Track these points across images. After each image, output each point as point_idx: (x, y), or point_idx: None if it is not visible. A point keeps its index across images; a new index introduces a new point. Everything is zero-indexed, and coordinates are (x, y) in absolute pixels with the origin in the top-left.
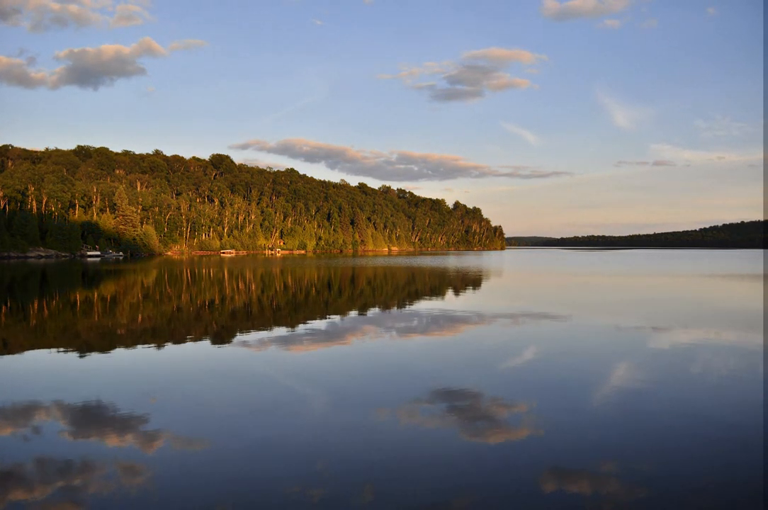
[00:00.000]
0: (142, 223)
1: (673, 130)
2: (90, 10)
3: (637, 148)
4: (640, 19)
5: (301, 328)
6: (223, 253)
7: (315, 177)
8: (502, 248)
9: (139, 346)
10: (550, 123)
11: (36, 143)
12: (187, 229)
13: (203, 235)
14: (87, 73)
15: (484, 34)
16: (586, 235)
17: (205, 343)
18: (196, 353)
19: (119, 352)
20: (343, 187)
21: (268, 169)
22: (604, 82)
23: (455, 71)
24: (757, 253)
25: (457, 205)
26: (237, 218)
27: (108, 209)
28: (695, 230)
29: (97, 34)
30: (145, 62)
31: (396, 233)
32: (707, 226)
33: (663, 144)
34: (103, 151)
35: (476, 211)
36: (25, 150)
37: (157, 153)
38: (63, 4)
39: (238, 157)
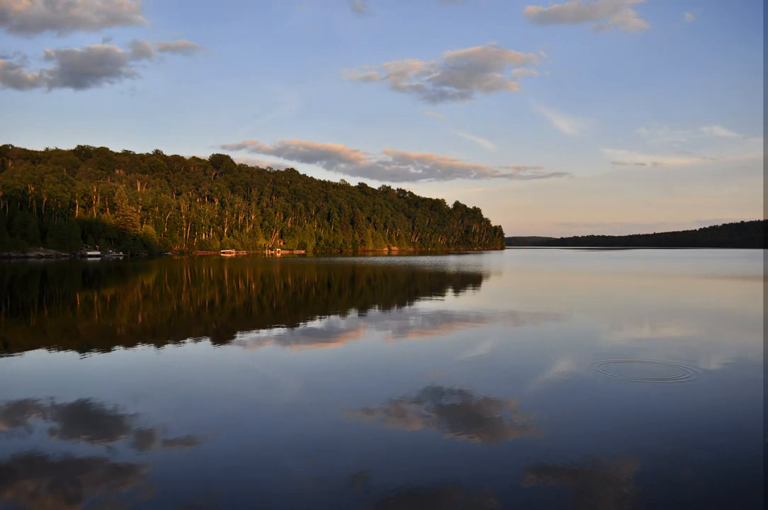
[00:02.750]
0: (142, 223)
1: (622, 136)
2: (81, 12)
3: (591, 153)
4: (623, 25)
5: (299, 327)
6: (223, 253)
7: (314, 177)
8: (502, 248)
9: (137, 346)
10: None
11: (36, 143)
12: (187, 229)
13: (203, 235)
14: (79, 75)
15: (475, 37)
16: (586, 235)
17: (203, 342)
18: (193, 352)
19: (117, 351)
20: (343, 187)
21: (268, 169)
22: (543, 93)
23: (444, 73)
24: (757, 253)
25: (457, 205)
26: (237, 218)
27: (108, 209)
28: (695, 230)
29: (87, 35)
30: (138, 64)
31: (396, 233)
32: (707, 226)
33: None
34: (103, 151)
35: (476, 211)
36: (25, 150)
37: (157, 153)
38: (52, 5)
39: (233, 158)
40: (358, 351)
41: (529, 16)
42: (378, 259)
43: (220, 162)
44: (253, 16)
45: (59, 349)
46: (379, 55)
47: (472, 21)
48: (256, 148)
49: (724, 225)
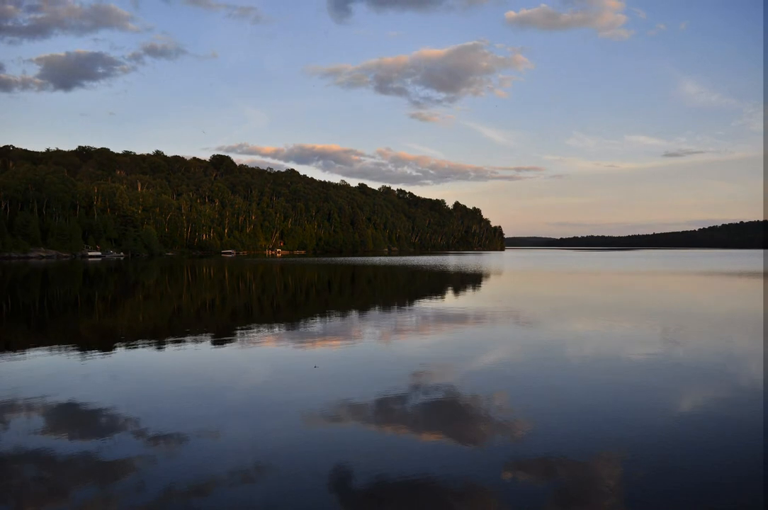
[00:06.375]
0: (142, 224)
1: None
2: (70, 15)
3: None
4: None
5: (297, 327)
6: (224, 253)
7: (314, 178)
8: (502, 249)
9: (137, 345)
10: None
11: (36, 144)
12: (187, 229)
13: (204, 235)
14: (71, 76)
15: (461, 40)
16: (585, 236)
17: (200, 341)
18: (190, 351)
19: (116, 351)
20: (343, 187)
21: (268, 170)
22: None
23: (433, 76)
24: (757, 253)
25: (456, 205)
26: (237, 218)
27: (109, 210)
28: (695, 230)
29: (77, 38)
30: (131, 66)
31: (396, 233)
32: (707, 227)
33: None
34: (104, 152)
35: (476, 212)
36: (26, 151)
37: (158, 153)
38: (45, 9)
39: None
40: (352, 350)
41: (511, 20)
42: (378, 259)
43: (220, 163)
44: (241, 20)
45: (58, 349)
46: (367, 59)
47: (458, 26)
48: (250, 149)
49: (724, 225)
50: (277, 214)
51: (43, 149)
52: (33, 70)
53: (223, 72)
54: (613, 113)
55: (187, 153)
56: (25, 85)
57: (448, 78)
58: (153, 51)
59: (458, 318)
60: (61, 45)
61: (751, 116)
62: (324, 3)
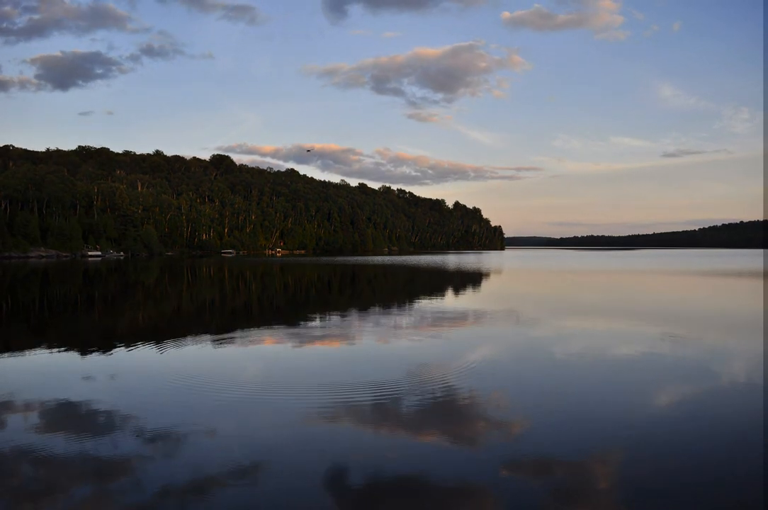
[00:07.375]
0: (142, 224)
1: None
2: (68, 14)
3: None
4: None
5: (295, 326)
6: (224, 253)
7: (314, 178)
8: (502, 248)
9: (133, 345)
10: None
11: (36, 144)
12: (187, 229)
13: (204, 235)
14: (69, 76)
15: (457, 41)
16: (585, 235)
17: (200, 342)
18: (189, 352)
19: (114, 351)
20: (343, 187)
21: (268, 170)
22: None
23: (430, 77)
24: (756, 253)
25: (456, 205)
26: (237, 218)
27: (109, 209)
28: (695, 230)
29: (70, 39)
30: (129, 67)
31: (396, 233)
32: (706, 226)
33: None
34: (104, 152)
35: (476, 211)
36: (26, 150)
37: (158, 153)
38: (34, 11)
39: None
40: (351, 349)
41: (506, 22)
42: (378, 258)
43: (220, 162)
44: (236, 21)
45: (57, 349)
46: (362, 60)
47: (454, 28)
48: (249, 149)
49: (724, 225)
50: (277, 214)
51: (42, 149)
52: (30, 71)
53: (220, 72)
54: (605, 114)
55: (187, 153)
56: (22, 85)
57: (445, 78)
58: (150, 51)
59: (458, 317)
60: (58, 45)
61: (731, 118)
62: (319, 5)
